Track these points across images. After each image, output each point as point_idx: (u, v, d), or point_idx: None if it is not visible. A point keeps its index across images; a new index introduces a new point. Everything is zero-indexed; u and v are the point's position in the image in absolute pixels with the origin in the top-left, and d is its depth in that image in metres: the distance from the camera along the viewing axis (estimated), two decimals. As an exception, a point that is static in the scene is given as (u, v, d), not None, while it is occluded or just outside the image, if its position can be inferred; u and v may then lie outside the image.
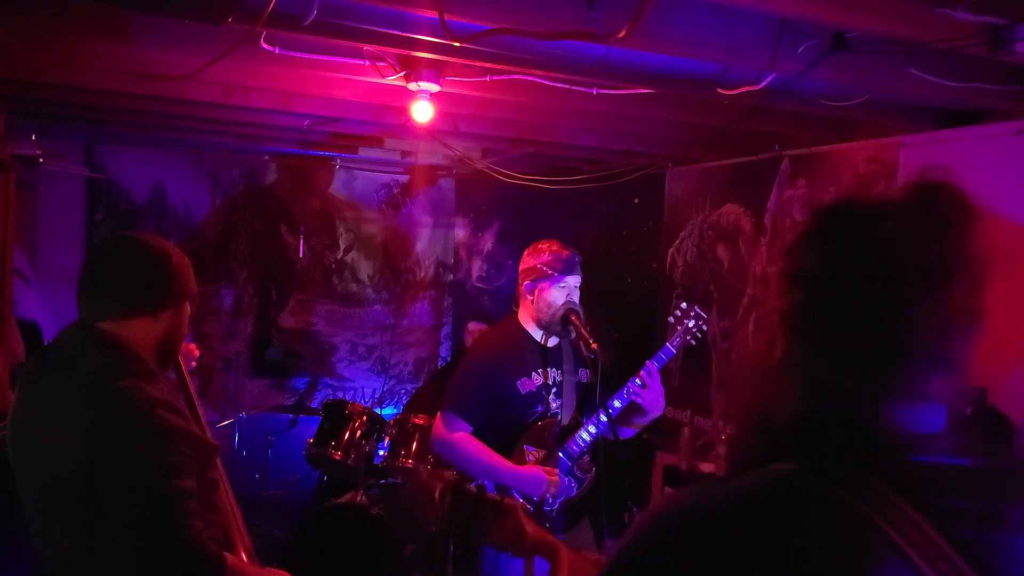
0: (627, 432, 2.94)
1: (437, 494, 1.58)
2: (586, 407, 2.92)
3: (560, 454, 2.80)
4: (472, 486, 1.56)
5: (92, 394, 1.63)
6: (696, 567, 0.80)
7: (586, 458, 2.87)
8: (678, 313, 2.94)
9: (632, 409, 2.83)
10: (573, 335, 2.79)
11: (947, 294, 0.83)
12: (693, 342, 2.93)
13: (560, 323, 2.79)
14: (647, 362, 2.80)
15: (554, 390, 2.87)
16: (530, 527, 1.54)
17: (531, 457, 2.80)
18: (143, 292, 1.74)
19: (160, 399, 1.64)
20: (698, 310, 2.94)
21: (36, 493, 1.68)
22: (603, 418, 2.71)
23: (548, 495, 2.74)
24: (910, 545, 0.76)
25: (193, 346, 2.15)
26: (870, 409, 0.84)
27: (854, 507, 0.78)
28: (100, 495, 1.56)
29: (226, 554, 1.64)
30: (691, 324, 2.92)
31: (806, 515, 0.79)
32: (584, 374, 2.95)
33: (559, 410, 2.88)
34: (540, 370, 2.85)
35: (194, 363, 2.15)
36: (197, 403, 1.98)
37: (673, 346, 2.87)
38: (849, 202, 0.92)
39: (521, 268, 2.90)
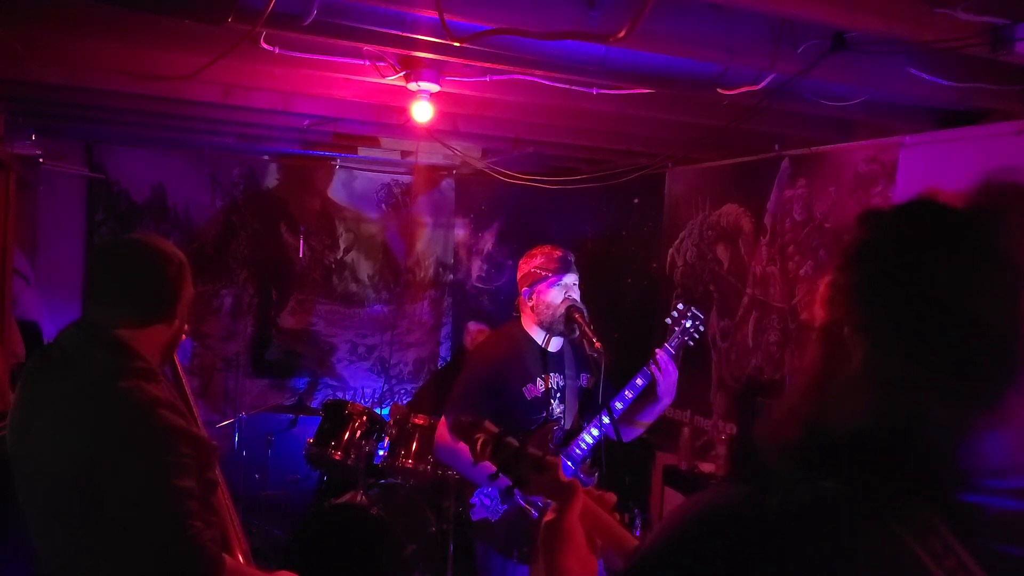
0: (633, 432, 2.95)
1: (479, 445, 1.57)
2: (587, 411, 2.93)
3: (563, 458, 2.80)
4: (513, 440, 1.54)
5: (94, 394, 1.63)
6: (733, 567, 0.78)
7: (588, 461, 2.87)
8: (675, 314, 2.95)
9: (639, 406, 2.84)
10: (577, 334, 2.79)
11: None
12: (691, 343, 2.94)
13: (564, 322, 2.79)
14: (656, 351, 2.81)
15: (557, 395, 2.87)
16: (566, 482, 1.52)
17: None
18: (162, 301, 1.76)
19: (162, 399, 1.65)
20: (695, 310, 2.94)
21: (36, 493, 1.68)
22: (605, 419, 2.71)
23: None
24: None
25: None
26: (949, 433, 0.79)
27: (901, 539, 0.75)
28: (101, 495, 1.56)
29: (227, 557, 1.64)
30: (688, 324, 2.92)
31: (850, 538, 0.76)
32: (584, 379, 2.96)
33: (562, 415, 2.88)
34: (544, 375, 2.85)
35: (184, 336, 2.12)
36: (192, 400, 1.99)
37: (672, 347, 2.87)
38: (934, 204, 0.84)
39: (518, 277, 2.91)
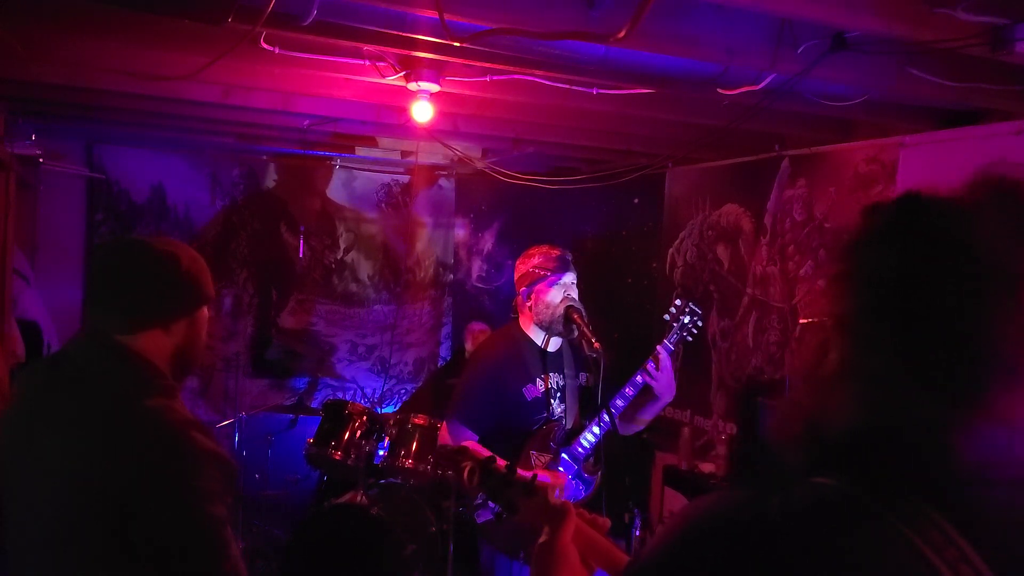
0: (634, 428, 2.96)
1: (466, 472, 1.55)
2: (588, 410, 2.93)
3: (566, 457, 2.80)
4: (502, 465, 1.53)
5: (116, 414, 1.48)
6: (736, 572, 0.78)
7: (591, 460, 2.87)
8: (673, 310, 2.94)
9: (639, 403, 2.84)
10: (576, 334, 2.79)
11: None
12: (689, 338, 2.94)
13: (563, 322, 2.78)
14: (657, 347, 2.81)
15: (558, 394, 2.87)
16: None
17: (537, 462, 2.80)
18: (150, 302, 1.58)
19: (192, 420, 1.51)
20: (692, 306, 2.94)
21: (29, 513, 1.51)
22: (606, 418, 2.72)
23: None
24: None
25: None
26: (938, 430, 0.78)
27: (903, 534, 0.75)
28: (126, 524, 1.42)
29: None
30: (686, 320, 2.91)
31: (854, 536, 0.76)
32: (584, 377, 2.95)
33: (563, 414, 2.88)
34: (543, 376, 2.85)
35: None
36: None
37: (671, 343, 2.87)
38: (918, 199, 0.84)
39: (516, 277, 2.90)
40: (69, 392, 1.53)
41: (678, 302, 2.96)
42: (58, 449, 1.49)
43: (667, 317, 2.95)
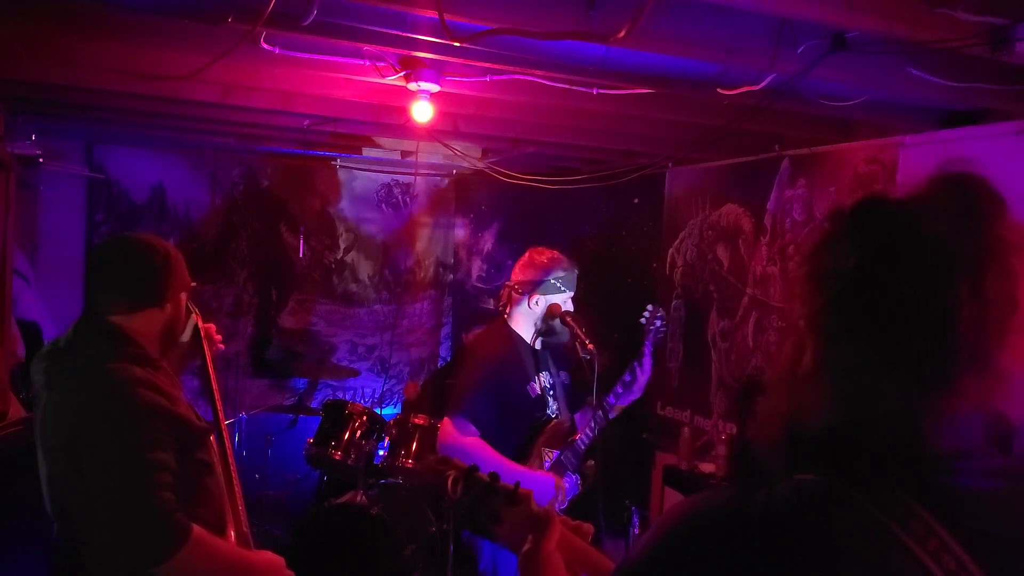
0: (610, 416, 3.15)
1: (450, 481, 1.56)
2: (576, 406, 3.04)
3: (569, 453, 2.85)
4: (485, 473, 1.54)
5: (84, 375, 1.82)
6: (724, 570, 0.79)
7: (584, 455, 2.93)
8: (647, 315, 3.17)
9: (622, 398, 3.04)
10: (567, 337, 2.85)
11: (985, 284, 0.79)
12: (660, 336, 3.19)
13: (558, 324, 2.85)
14: (644, 348, 3.06)
15: (551, 392, 2.92)
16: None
17: (549, 460, 2.84)
18: (151, 287, 1.95)
19: (143, 379, 1.79)
20: (656, 308, 3.22)
21: (45, 470, 1.83)
22: (601, 414, 2.78)
23: (557, 500, 2.77)
24: (943, 572, 0.75)
25: (212, 327, 2.34)
26: (911, 419, 0.80)
27: (886, 526, 0.76)
28: (82, 464, 1.72)
29: (196, 527, 1.71)
30: (659, 324, 3.13)
31: (837, 529, 0.77)
32: (564, 375, 3.06)
33: (559, 411, 2.91)
34: (538, 374, 2.90)
35: (221, 346, 2.35)
36: (217, 392, 2.19)
37: (651, 344, 3.08)
38: (875, 199, 0.88)
39: (522, 277, 2.92)
40: (59, 363, 1.88)
41: (650, 307, 3.21)
42: (48, 408, 1.82)
43: (642, 322, 3.16)
